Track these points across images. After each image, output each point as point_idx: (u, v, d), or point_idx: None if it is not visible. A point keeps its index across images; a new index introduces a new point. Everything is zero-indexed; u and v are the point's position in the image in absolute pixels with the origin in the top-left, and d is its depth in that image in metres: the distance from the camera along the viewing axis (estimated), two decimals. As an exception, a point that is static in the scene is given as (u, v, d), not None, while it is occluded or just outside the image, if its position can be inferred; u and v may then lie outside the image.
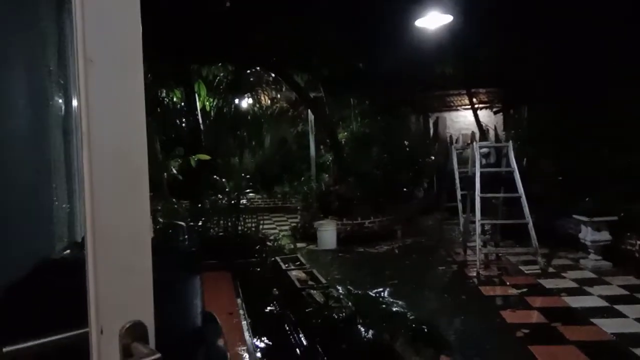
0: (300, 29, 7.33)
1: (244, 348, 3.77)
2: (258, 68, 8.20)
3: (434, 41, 7.20)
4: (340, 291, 3.69)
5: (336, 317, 3.12)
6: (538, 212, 7.52)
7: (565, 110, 8.45)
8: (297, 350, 3.91)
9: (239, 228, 7.12)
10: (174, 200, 7.18)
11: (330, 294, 3.67)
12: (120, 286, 0.84)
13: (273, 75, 8.73)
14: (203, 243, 6.45)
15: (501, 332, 4.32)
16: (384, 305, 3.10)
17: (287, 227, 10.00)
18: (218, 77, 8.14)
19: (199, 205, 7.11)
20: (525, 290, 5.51)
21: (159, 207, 7.03)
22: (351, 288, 3.61)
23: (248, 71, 8.16)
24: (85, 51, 0.81)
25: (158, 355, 0.81)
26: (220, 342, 1.73)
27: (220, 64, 7.96)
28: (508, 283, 5.87)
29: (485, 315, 4.79)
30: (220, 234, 6.96)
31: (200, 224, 6.88)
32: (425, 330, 2.90)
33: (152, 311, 0.88)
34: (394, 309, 3.02)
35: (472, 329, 4.44)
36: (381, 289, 3.46)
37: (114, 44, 0.84)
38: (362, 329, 2.81)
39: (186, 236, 2.43)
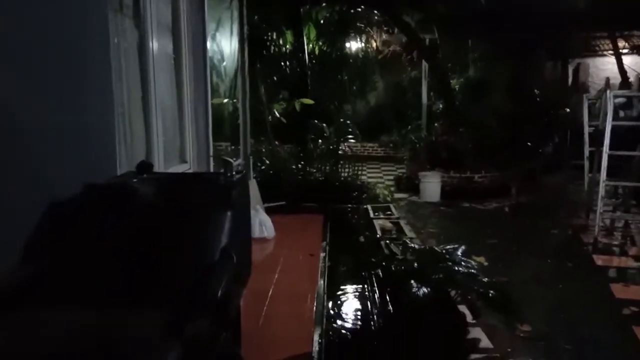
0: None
1: (314, 289, 3.80)
2: (363, 7, 7.78)
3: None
4: (414, 245, 3.47)
5: (394, 269, 2.95)
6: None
7: None
8: (367, 299, 3.83)
9: (341, 174, 7.11)
10: (277, 143, 7.36)
11: (403, 247, 3.47)
12: None
13: (378, 16, 8.24)
14: (303, 186, 6.58)
15: (604, 307, 3.78)
16: (449, 263, 2.83)
17: (393, 177, 9.76)
18: (323, 19, 7.91)
19: (299, 148, 7.18)
20: (649, 264, 4.73)
21: (263, 149, 7.29)
22: (412, 244, 3.37)
23: (354, 11, 7.78)
24: None
25: None
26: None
27: (325, 4, 7.70)
28: (630, 254, 5.09)
29: (591, 286, 4.22)
30: (321, 178, 7.00)
31: (300, 167, 7.00)
32: (490, 295, 2.60)
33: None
34: (459, 268, 2.74)
35: (569, 300, 3.94)
36: (456, 245, 3.16)
37: None
38: (416, 286, 2.60)
39: (233, 172, 2.41)
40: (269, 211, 5.32)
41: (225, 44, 5.53)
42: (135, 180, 2.25)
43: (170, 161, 3.66)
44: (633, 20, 9.33)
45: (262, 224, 4.90)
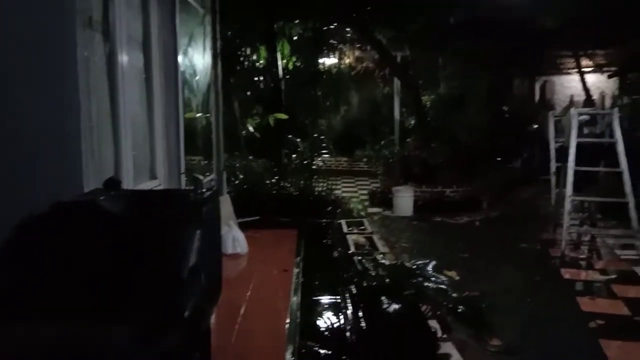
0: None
1: (287, 305, 3.77)
2: (335, 24, 7.91)
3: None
4: (384, 261, 3.49)
5: (365, 285, 2.96)
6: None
7: None
8: (341, 315, 3.82)
9: (316, 189, 7.11)
10: (250, 157, 7.33)
11: (374, 263, 3.49)
12: None
13: (350, 33, 8.40)
14: (277, 201, 6.56)
15: (571, 320, 3.86)
16: (420, 279, 2.86)
17: (367, 191, 9.82)
18: (296, 36, 8.00)
19: (273, 163, 7.18)
20: (614, 277, 4.86)
21: (237, 164, 7.25)
22: (383, 260, 3.39)
23: (327, 28, 7.90)
24: None
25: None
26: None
27: (298, 21, 7.80)
28: (596, 267, 5.23)
29: (558, 300, 4.31)
30: (295, 193, 7.00)
31: (274, 181, 6.98)
32: (460, 310, 2.63)
33: None
34: (428, 284, 2.77)
35: (537, 313, 4.00)
36: (427, 260, 3.20)
37: None
38: (387, 302, 2.62)
39: (203, 190, 2.39)
40: (242, 226, 5.27)
41: (197, 59, 5.51)
42: (102, 197, 2.21)
43: (140, 177, 3.61)
44: (597, 40, 9.72)
45: (235, 239, 4.85)
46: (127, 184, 3.19)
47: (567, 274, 5.08)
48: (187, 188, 3.76)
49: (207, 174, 5.78)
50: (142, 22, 3.70)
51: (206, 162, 6.11)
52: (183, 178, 4.19)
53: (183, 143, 4.37)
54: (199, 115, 6.20)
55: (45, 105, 2.27)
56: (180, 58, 4.41)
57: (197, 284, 1.81)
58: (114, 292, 1.74)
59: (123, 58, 3.21)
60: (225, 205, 5.39)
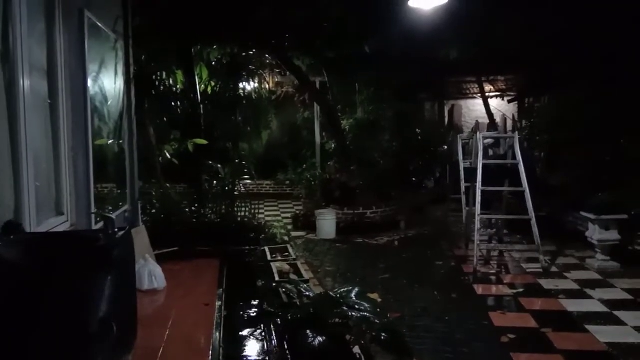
0: (303, 7, 7.07)
1: (209, 342, 3.63)
2: (254, 50, 7.95)
3: (438, 23, 6.78)
4: (308, 293, 3.47)
5: (290, 317, 2.93)
6: (551, 206, 7.17)
7: (592, 97, 7.91)
8: (265, 349, 3.74)
9: (238, 215, 6.97)
10: (168, 185, 7.06)
11: (299, 294, 3.46)
12: None
13: (270, 59, 8.50)
14: (197, 229, 6.34)
15: (485, 336, 4.07)
16: (345, 308, 2.87)
17: (291, 215, 9.82)
18: (214, 61, 7.92)
19: (192, 190, 6.97)
20: (521, 290, 5.21)
21: (153, 192, 6.94)
22: (307, 291, 3.38)
23: (247, 54, 7.92)
24: None
25: None
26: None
27: (216, 47, 7.74)
28: (505, 282, 5.57)
29: (473, 316, 4.52)
30: (217, 220, 6.81)
31: (194, 209, 6.76)
32: (382, 337, 2.67)
33: None
34: (352, 313, 2.80)
35: (454, 331, 4.18)
36: (350, 287, 3.22)
37: None
38: (312, 336, 2.61)
39: (116, 229, 2.25)
40: (160, 259, 5.03)
41: (109, 85, 5.26)
42: (-1, 244, 2.02)
43: (45, 214, 3.34)
44: (497, 68, 10.58)
45: (151, 274, 4.59)
46: (30, 222, 2.93)
47: (480, 289, 5.37)
48: (96, 229, 3.53)
49: (121, 204, 5.49)
50: (47, 48, 3.47)
51: (120, 191, 5.80)
52: (93, 218, 3.93)
53: (93, 174, 4.12)
54: (111, 142, 5.89)
55: None
56: (90, 84, 4.19)
57: (108, 335, 1.69)
58: (13, 355, 1.57)
59: (25, 87, 2.98)
60: (141, 237, 5.12)
